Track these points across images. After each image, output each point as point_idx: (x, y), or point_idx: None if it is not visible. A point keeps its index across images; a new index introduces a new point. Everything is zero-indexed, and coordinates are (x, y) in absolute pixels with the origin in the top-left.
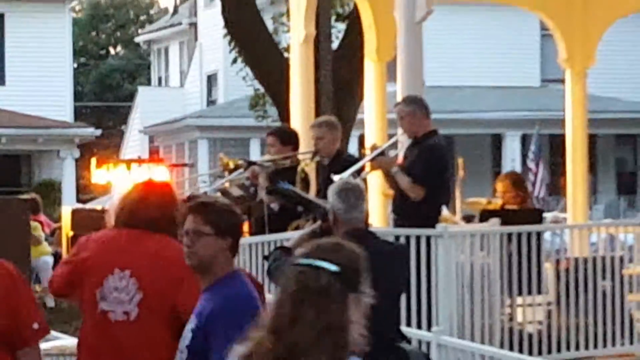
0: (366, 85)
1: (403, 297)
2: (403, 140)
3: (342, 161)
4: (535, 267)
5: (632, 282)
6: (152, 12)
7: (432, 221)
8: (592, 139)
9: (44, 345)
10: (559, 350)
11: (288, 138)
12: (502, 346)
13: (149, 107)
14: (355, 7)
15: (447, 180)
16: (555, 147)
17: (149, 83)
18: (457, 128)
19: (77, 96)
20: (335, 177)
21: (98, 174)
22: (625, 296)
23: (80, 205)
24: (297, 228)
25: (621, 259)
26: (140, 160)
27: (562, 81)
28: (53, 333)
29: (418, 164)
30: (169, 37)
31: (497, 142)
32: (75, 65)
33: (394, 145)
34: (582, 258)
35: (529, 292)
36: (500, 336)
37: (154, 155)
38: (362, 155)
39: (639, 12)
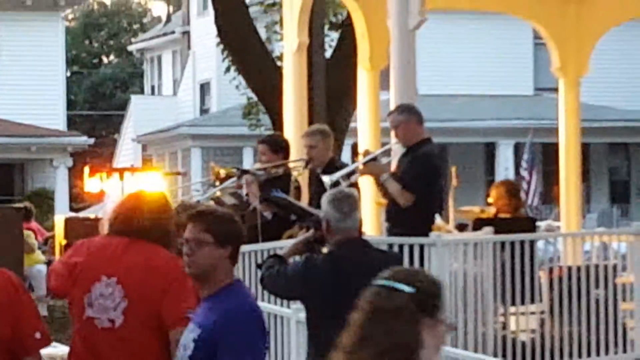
0: (359, 93)
1: None
2: (396, 149)
3: (334, 170)
4: (529, 276)
5: (625, 290)
6: (145, 20)
7: (425, 229)
8: (586, 148)
9: None
10: (552, 358)
11: (278, 146)
12: (495, 355)
13: (142, 115)
14: (349, 15)
15: (439, 188)
16: (548, 155)
17: (142, 92)
18: (451, 136)
19: (70, 105)
20: (325, 178)
21: (91, 183)
22: (619, 305)
23: (73, 214)
24: (290, 237)
25: (614, 268)
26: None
27: (556, 90)
28: None
29: (410, 171)
30: (162, 45)
31: (490, 150)
32: (69, 74)
33: (387, 153)
34: (575, 266)
35: (522, 301)
36: (494, 345)
37: (147, 164)
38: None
39: (631, 20)
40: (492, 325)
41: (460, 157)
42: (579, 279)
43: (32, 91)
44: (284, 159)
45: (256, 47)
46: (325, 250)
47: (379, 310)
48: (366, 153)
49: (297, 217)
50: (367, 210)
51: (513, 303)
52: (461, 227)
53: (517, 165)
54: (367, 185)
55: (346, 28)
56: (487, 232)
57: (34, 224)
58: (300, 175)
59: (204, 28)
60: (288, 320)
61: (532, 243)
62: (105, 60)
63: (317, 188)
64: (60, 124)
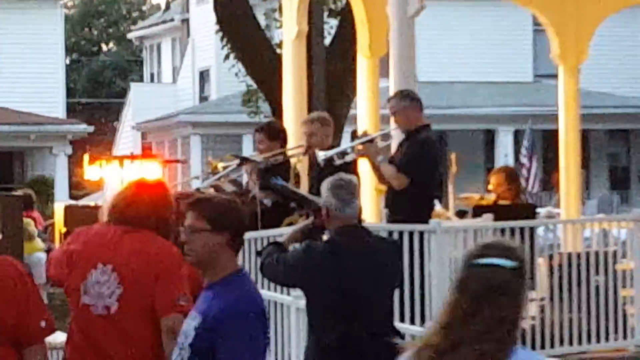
0: (359, 81)
1: (396, 293)
2: (395, 134)
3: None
4: (528, 263)
5: (625, 277)
6: (144, 8)
7: (425, 215)
8: (585, 134)
9: None
10: (552, 345)
11: (275, 134)
12: None
13: (141, 103)
14: (348, 2)
15: (438, 174)
16: (548, 142)
17: (141, 79)
18: (450, 123)
19: (70, 93)
20: (320, 154)
21: (91, 170)
22: (619, 291)
23: (73, 202)
24: (290, 224)
25: (614, 254)
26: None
27: (555, 76)
28: None
29: (407, 155)
30: (161, 33)
31: (489, 137)
32: (68, 62)
33: (386, 137)
34: (575, 253)
35: None
36: None
37: (146, 152)
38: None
39: (631, 7)
40: None
41: (460, 144)
42: (579, 265)
43: (32, 79)
44: (281, 146)
45: (255, 35)
46: (325, 237)
47: (487, 288)
48: (365, 134)
49: (297, 204)
50: (367, 198)
51: None
52: (461, 214)
53: (517, 152)
54: (366, 172)
55: (345, 15)
56: (486, 219)
57: (35, 213)
58: (300, 163)
59: (203, 15)
60: (288, 308)
61: (532, 230)
62: (104, 48)
63: (316, 175)
64: (60, 111)
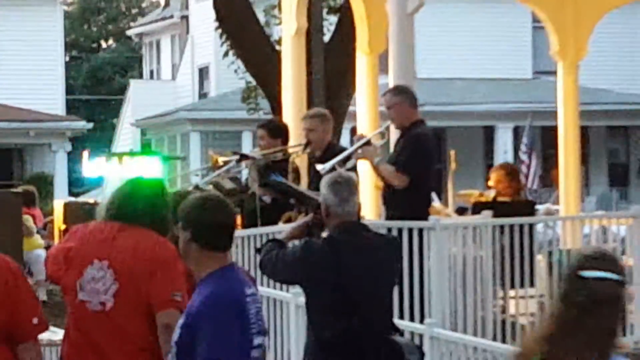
0: (358, 77)
1: (395, 290)
2: (392, 131)
3: (333, 153)
4: (528, 259)
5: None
6: (143, 5)
7: (421, 210)
8: (584, 131)
9: None
10: None
11: (277, 131)
12: (494, 338)
13: (140, 100)
14: None
15: (433, 169)
16: (547, 139)
17: (140, 76)
18: (449, 120)
19: (69, 89)
20: (319, 167)
21: (90, 167)
22: None
23: (72, 199)
24: (289, 220)
25: (614, 251)
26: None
27: (555, 73)
28: None
29: (403, 152)
30: (160, 30)
31: (489, 134)
32: (67, 59)
33: (382, 135)
34: (574, 250)
35: (522, 285)
36: (493, 328)
37: (146, 149)
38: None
39: (630, 3)
40: (491, 309)
41: (459, 141)
42: None
43: (31, 76)
44: (283, 143)
45: (255, 31)
46: (324, 234)
47: (596, 301)
48: (360, 137)
49: (295, 201)
50: (366, 194)
51: (512, 286)
52: (460, 211)
53: (516, 149)
54: (366, 169)
55: (345, 12)
56: (486, 216)
57: (37, 210)
58: (299, 158)
59: (202, 12)
60: (287, 305)
61: (531, 226)
62: (104, 44)
63: (316, 172)
64: (59, 108)
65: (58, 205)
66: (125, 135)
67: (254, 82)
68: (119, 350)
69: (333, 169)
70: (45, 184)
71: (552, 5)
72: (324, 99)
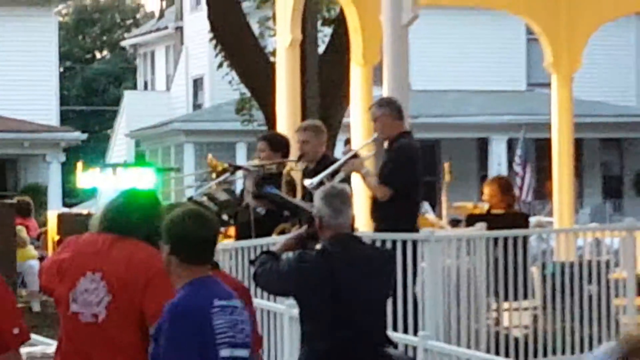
0: (352, 89)
1: (389, 302)
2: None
3: (327, 165)
4: (522, 272)
5: (618, 286)
6: (138, 16)
7: (406, 221)
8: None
9: (28, 349)
10: (545, 354)
11: (279, 144)
12: (488, 351)
13: (135, 111)
14: (342, 11)
15: (419, 180)
16: (541, 151)
17: (135, 87)
18: (444, 132)
19: (63, 100)
20: (307, 182)
21: (84, 178)
22: (611, 301)
23: (66, 210)
24: (282, 232)
25: (607, 264)
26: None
27: (548, 85)
28: (38, 338)
29: (387, 164)
30: (155, 41)
31: (483, 146)
32: (61, 70)
33: (371, 148)
34: (568, 262)
35: (515, 297)
36: (487, 341)
37: (140, 160)
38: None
39: (624, 16)
40: (485, 321)
41: (453, 153)
42: (572, 274)
43: (25, 86)
44: (284, 157)
45: (249, 43)
46: (318, 246)
47: None
48: (348, 150)
49: (289, 213)
50: (360, 206)
51: (506, 299)
52: (454, 223)
53: (510, 161)
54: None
55: (339, 24)
56: (480, 228)
57: (32, 222)
58: (293, 170)
59: (197, 23)
60: (281, 317)
61: (525, 239)
62: (98, 55)
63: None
64: (54, 119)
65: (52, 216)
66: (120, 146)
67: (248, 94)
68: None
69: (321, 183)
70: (39, 194)
71: (546, 17)
72: (318, 110)
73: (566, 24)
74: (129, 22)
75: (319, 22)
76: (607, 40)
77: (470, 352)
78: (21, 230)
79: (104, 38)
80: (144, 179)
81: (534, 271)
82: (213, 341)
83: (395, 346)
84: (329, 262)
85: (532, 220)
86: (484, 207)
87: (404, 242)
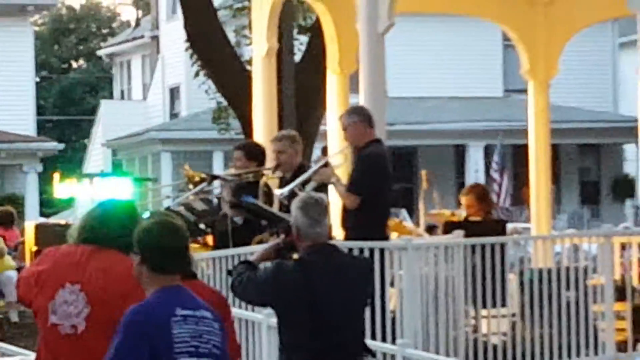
0: (329, 97)
1: (367, 310)
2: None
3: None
4: (499, 279)
5: (596, 292)
6: (114, 25)
7: (375, 229)
8: (555, 149)
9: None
10: None
11: (254, 153)
12: (467, 358)
13: (111, 120)
14: (318, 19)
15: (387, 188)
16: (518, 157)
17: (111, 96)
18: (420, 139)
19: (40, 110)
20: (277, 192)
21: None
22: (590, 307)
23: (43, 220)
24: (260, 242)
25: (585, 270)
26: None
27: (525, 91)
28: (15, 349)
29: (354, 173)
30: (131, 50)
31: (460, 152)
32: (38, 79)
33: (343, 158)
34: (546, 269)
35: (494, 304)
36: (465, 348)
37: (117, 169)
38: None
39: (599, 22)
40: (463, 328)
41: (430, 160)
42: (549, 281)
43: (1, 96)
44: (259, 166)
45: (225, 52)
46: (295, 256)
47: None
48: (319, 160)
49: (267, 222)
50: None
51: (484, 306)
52: (430, 229)
53: (488, 167)
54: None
55: (315, 32)
56: (457, 236)
57: (14, 232)
58: (270, 180)
59: (173, 33)
60: (259, 326)
61: (503, 246)
62: (74, 65)
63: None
64: (30, 129)
65: (29, 226)
66: (96, 155)
67: (224, 103)
68: None
69: (292, 192)
70: (16, 205)
71: (523, 24)
72: (295, 119)
73: (542, 31)
74: (105, 31)
75: (295, 31)
76: (583, 46)
77: (449, 359)
78: None
79: (80, 47)
80: (121, 189)
81: (512, 278)
82: (170, 350)
83: (374, 355)
84: (307, 272)
85: (508, 227)
86: (461, 214)
87: (382, 250)
